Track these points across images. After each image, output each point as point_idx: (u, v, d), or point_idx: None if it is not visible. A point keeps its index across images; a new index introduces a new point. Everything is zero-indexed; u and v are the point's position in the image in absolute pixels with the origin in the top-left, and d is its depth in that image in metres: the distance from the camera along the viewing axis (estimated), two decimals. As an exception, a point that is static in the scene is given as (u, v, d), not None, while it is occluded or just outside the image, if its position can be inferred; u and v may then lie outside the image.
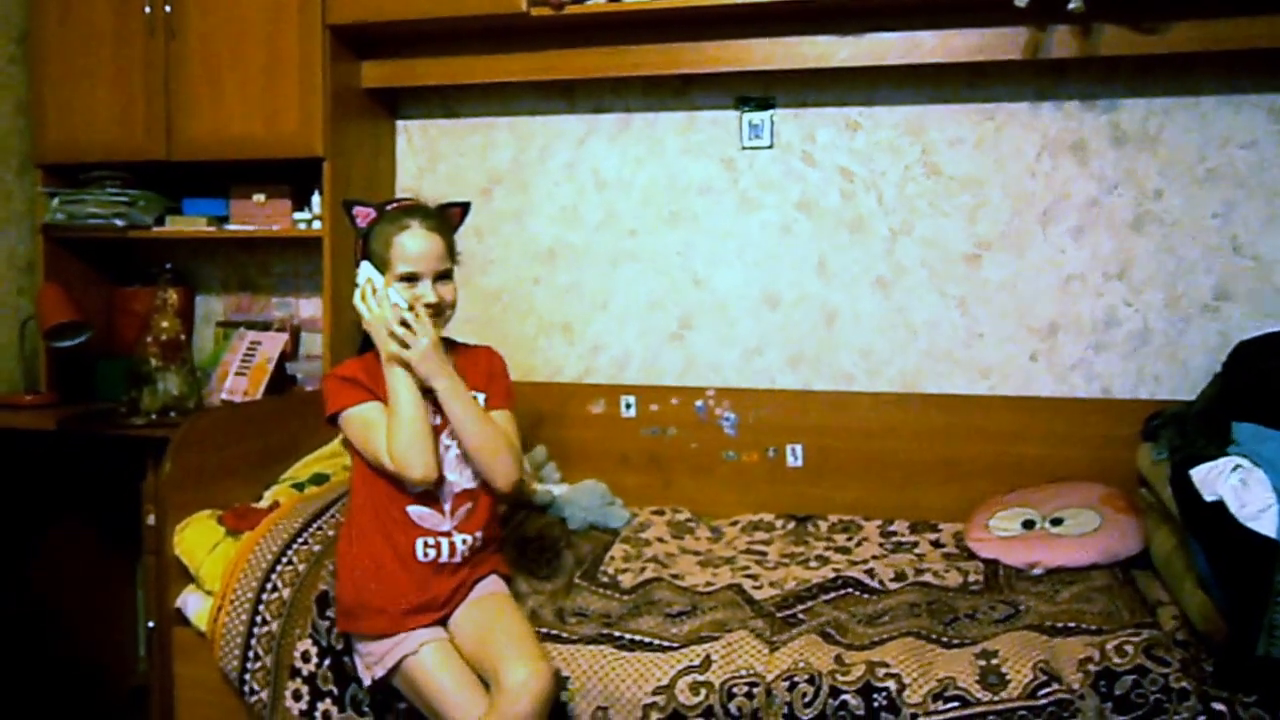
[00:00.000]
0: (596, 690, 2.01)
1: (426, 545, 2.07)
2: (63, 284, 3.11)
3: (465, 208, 2.21)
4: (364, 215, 2.13)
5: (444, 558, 2.08)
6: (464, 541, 2.09)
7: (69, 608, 3.14)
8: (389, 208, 2.13)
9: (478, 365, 2.19)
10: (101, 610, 3.26)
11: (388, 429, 2.01)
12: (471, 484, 2.11)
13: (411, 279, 2.05)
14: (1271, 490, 1.82)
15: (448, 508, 2.08)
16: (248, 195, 3.12)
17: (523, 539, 2.61)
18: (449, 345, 2.16)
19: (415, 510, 2.07)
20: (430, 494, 2.07)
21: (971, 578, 2.40)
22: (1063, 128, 2.82)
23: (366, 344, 2.13)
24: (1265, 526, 1.80)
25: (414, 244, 2.05)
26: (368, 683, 2.08)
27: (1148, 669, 1.86)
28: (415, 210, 2.11)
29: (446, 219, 2.15)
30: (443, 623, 2.09)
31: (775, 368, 3.05)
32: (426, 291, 2.05)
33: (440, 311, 2.08)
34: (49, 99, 3.12)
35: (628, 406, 3.10)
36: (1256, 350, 2.39)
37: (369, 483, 2.09)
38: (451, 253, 2.12)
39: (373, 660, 2.06)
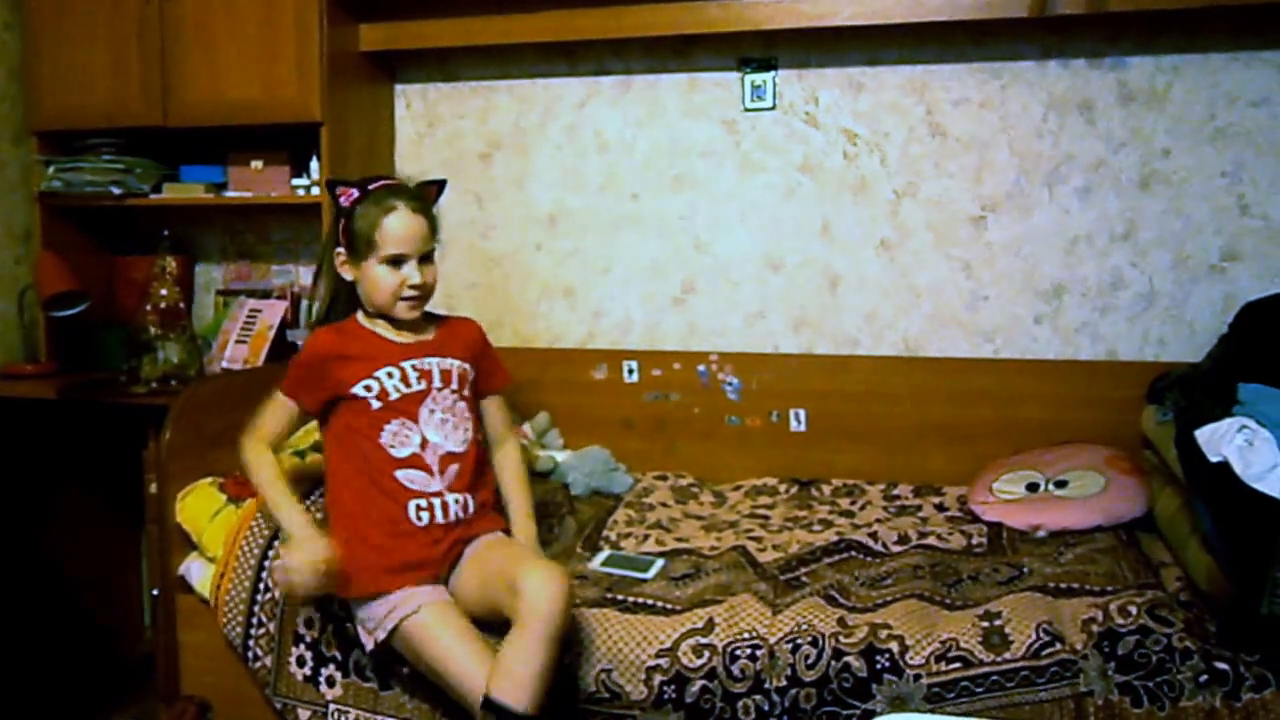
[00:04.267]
0: (600, 653, 2.01)
1: (419, 508, 2.05)
2: (60, 253, 3.09)
3: (441, 185, 2.20)
4: (347, 195, 2.10)
5: (439, 518, 2.07)
6: (456, 501, 2.08)
7: (75, 577, 3.15)
8: (372, 187, 2.11)
9: (458, 337, 2.21)
10: (107, 579, 3.27)
11: (272, 429, 2.16)
12: (457, 447, 2.10)
13: (397, 261, 2.06)
14: (1277, 451, 1.81)
15: (435, 469, 2.07)
16: (245, 162, 3.10)
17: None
18: (429, 318, 2.19)
19: (404, 474, 2.06)
20: (416, 457, 2.06)
21: (975, 540, 2.40)
22: (1069, 86, 2.78)
23: (335, 308, 2.19)
24: (1270, 487, 1.79)
25: (401, 225, 2.06)
26: (369, 648, 2.07)
27: (1151, 629, 1.86)
28: (401, 191, 2.10)
29: (427, 198, 2.15)
30: (443, 586, 2.08)
31: (778, 332, 3.03)
32: (412, 273, 2.06)
33: (425, 294, 2.11)
34: (44, 65, 3.08)
35: (630, 372, 3.08)
36: (1263, 311, 2.37)
37: (352, 457, 2.09)
38: (434, 232, 2.12)
39: (372, 624, 2.04)
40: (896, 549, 2.38)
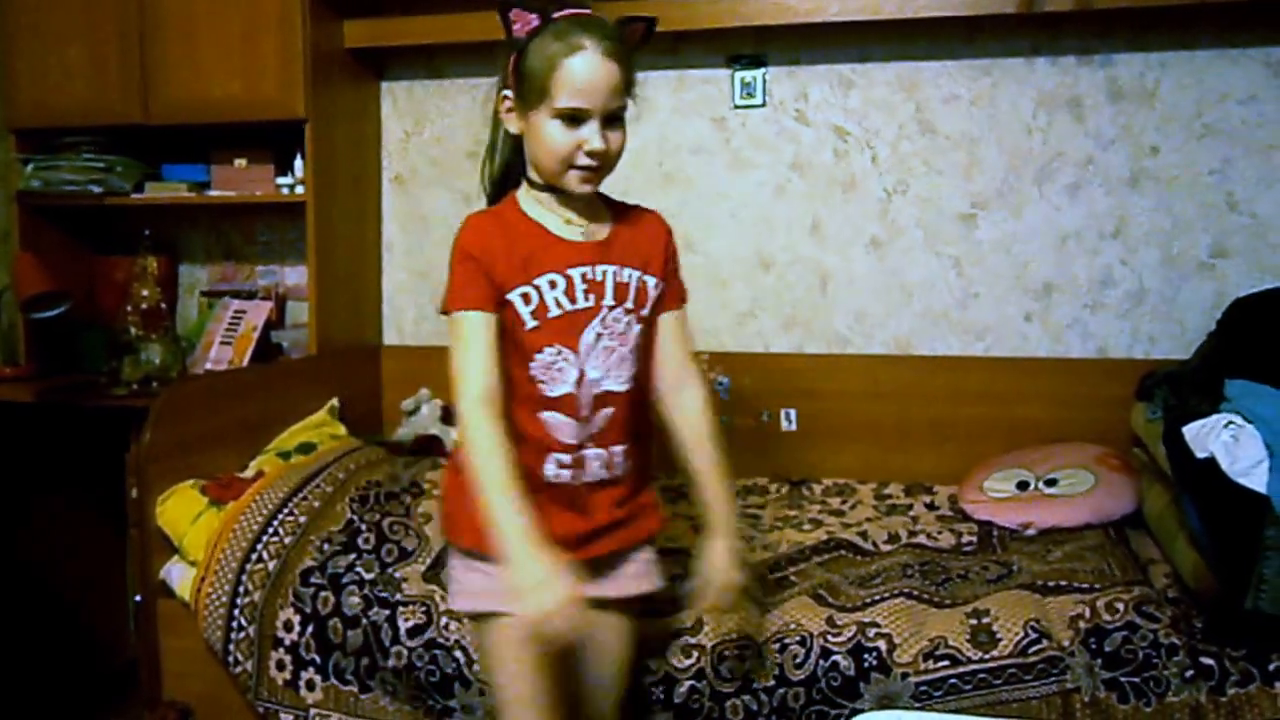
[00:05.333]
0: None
1: (560, 464, 1.65)
2: (39, 253, 3.05)
3: (649, 25, 1.69)
4: (523, 21, 1.62)
5: (582, 477, 1.67)
6: (599, 458, 1.66)
7: (59, 583, 3.10)
8: (556, 16, 1.61)
9: (642, 235, 1.71)
10: (92, 585, 3.23)
11: (483, 368, 1.56)
12: (621, 386, 1.66)
13: (576, 118, 1.56)
14: (1263, 446, 1.81)
15: (585, 413, 1.64)
16: (229, 160, 3.07)
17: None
18: (604, 203, 1.72)
19: (549, 416, 1.63)
20: (570, 397, 1.63)
21: (965, 539, 2.38)
22: (1059, 83, 2.77)
23: (509, 177, 1.70)
24: (1255, 482, 1.79)
25: (587, 71, 1.55)
26: (455, 607, 1.80)
27: (1138, 625, 1.86)
28: (593, 26, 1.59)
29: (626, 40, 1.63)
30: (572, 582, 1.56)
31: (769, 331, 3.01)
32: (592, 136, 1.57)
33: (605, 166, 1.61)
34: (20, 62, 3.04)
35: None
36: (1252, 308, 2.36)
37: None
38: (629, 86, 1.61)
39: (456, 588, 1.73)
40: (886, 548, 2.36)
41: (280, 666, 2.19)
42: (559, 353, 1.62)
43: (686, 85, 3.01)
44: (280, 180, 3.02)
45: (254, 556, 2.26)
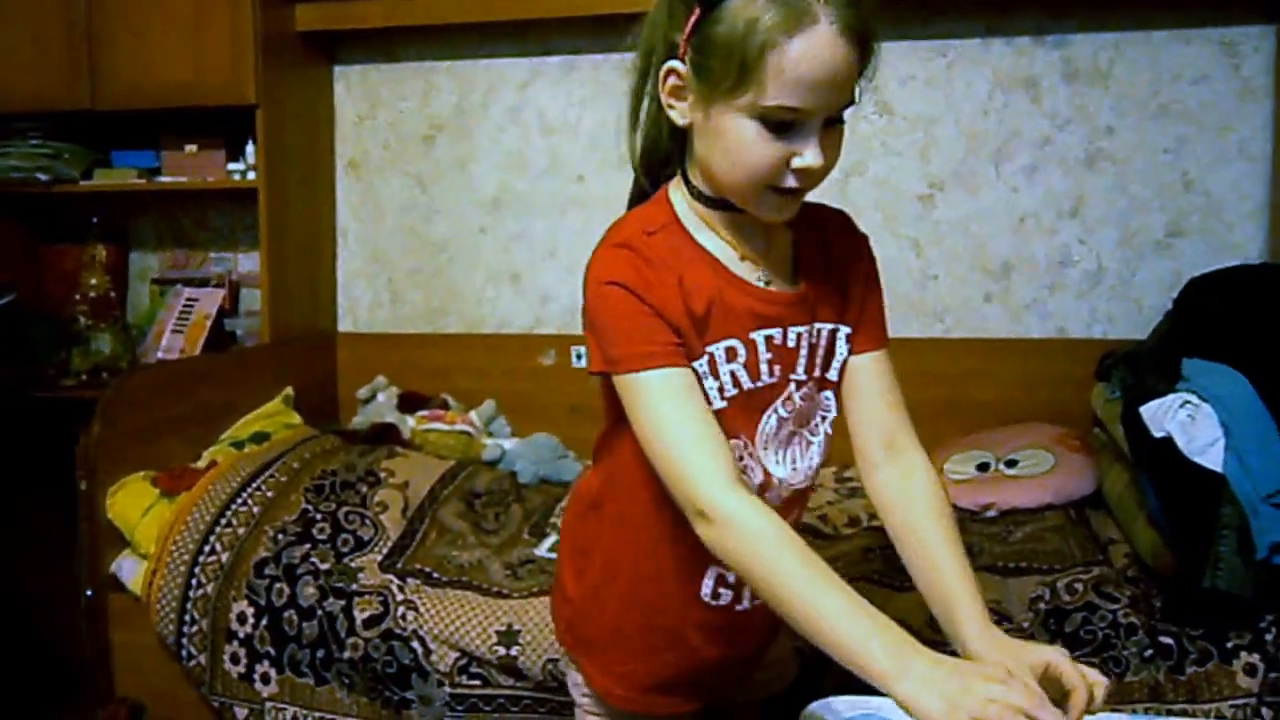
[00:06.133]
0: (547, 643, 1.97)
1: (721, 583, 1.24)
2: (-15, 242, 2.99)
3: None
4: None
5: (741, 603, 1.26)
6: None
7: (9, 579, 3.04)
8: None
9: (837, 268, 1.26)
10: (47, 581, 3.15)
11: (705, 440, 1.09)
12: (801, 480, 1.25)
13: (788, 124, 1.08)
14: (1219, 425, 1.81)
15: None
16: (179, 146, 3.01)
17: (471, 493, 2.55)
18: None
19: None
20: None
21: (926, 521, 2.38)
22: (1014, 64, 2.77)
23: (648, 184, 1.28)
24: (1212, 461, 1.80)
25: (820, 57, 1.05)
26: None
27: (1097, 606, 1.87)
28: None
29: (872, 10, 1.09)
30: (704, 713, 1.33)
31: (727, 315, 2.99)
32: (809, 149, 1.09)
33: (813, 186, 1.14)
34: (-38, 47, 2.97)
35: (579, 357, 3.04)
36: (1207, 287, 2.38)
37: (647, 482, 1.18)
38: (862, 72, 1.11)
39: (583, 697, 1.36)
40: (847, 531, 2.36)
41: (235, 660, 2.15)
42: (745, 446, 1.19)
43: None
44: (232, 166, 2.97)
45: (207, 549, 2.22)
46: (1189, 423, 1.84)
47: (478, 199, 3.12)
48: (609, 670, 1.30)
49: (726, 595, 1.24)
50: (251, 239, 3.17)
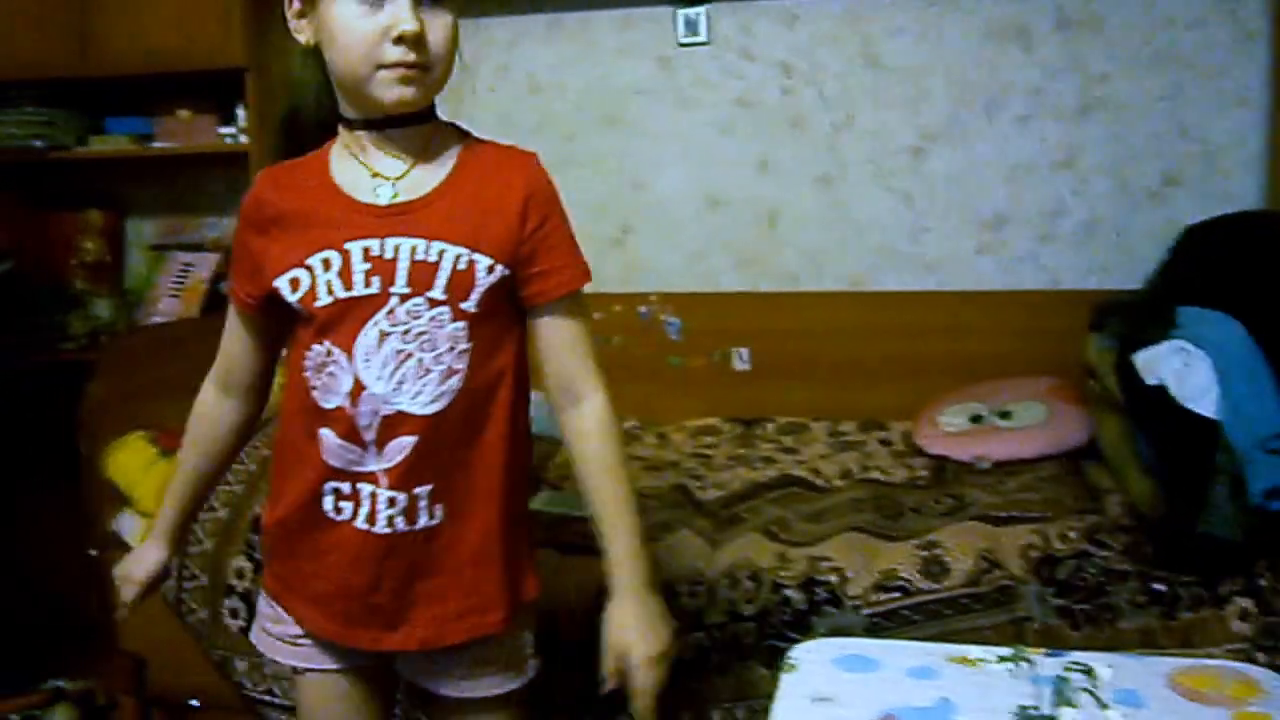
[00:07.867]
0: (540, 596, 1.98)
1: (339, 497, 1.27)
2: (-20, 210, 3.00)
3: None
4: None
5: (360, 520, 1.26)
6: (391, 502, 1.25)
7: (14, 539, 3.08)
8: None
9: (481, 196, 1.27)
10: (53, 542, 3.19)
11: (223, 354, 1.42)
12: (417, 407, 1.23)
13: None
14: (1213, 371, 1.81)
15: (370, 437, 1.24)
16: (172, 111, 3.02)
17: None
18: (463, 145, 1.31)
19: (328, 435, 1.26)
20: (340, 412, 1.24)
21: (919, 473, 2.39)
22: (1005, 13, 2.74)
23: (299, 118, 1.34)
24: (1206, 408, 1.79)
25: None
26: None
27: (1089, 553, 1.87)
28: None
29: None
30: (374, 654, 1.35)
31: (719, 270, 2.99)
32: (402, 13, 1.16)
33: (429, 63, 1.20)
34: (-47, 13, 2.96)
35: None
36: (1203, 235, 2.37)
37: (292, 388, 1.32)
38: None
39: (260, 621, 1.44)
40: (839, 483, 2.37)
41: (234, 614, 2.18)
42: (329, 352, 1.24)
43: (630, 24, 2.96)
44: (224, 130, 2.98)
45: (205, 505, 2.24)
46: (1183, 369, 1.83)
47: (469, 159, 3.11)
48: (270, 570, 1.39)
49: (345, 508, 1.27)
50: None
